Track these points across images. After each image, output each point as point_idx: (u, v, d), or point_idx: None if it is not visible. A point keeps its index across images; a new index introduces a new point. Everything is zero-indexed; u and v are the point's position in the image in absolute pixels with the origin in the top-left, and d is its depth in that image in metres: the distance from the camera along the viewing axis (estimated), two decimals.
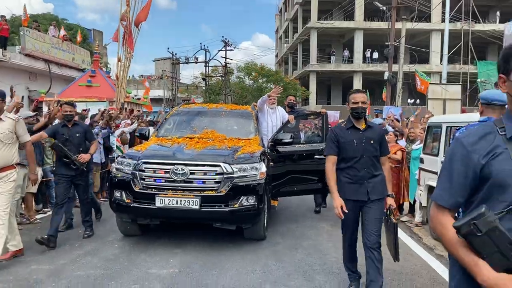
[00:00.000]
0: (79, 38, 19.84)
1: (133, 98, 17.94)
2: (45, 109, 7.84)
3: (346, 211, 3.59)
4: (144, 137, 6.78)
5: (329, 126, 6.95)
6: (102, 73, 17.32)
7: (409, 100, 25.90)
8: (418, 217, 6.76)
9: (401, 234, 5.82)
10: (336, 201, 3.64)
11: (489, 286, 1.39)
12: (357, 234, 3.88)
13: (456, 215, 1.79)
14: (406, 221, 6.94)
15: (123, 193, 5.23)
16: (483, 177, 1.53)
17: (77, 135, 5.66)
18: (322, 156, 6.50)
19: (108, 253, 5.15)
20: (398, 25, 22.23)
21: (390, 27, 22.48)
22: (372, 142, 3.73)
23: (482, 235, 1.39)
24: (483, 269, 1.40)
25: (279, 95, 7.26)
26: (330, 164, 3.80)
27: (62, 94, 15.56)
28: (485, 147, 1.53)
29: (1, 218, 4.45)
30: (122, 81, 11.70)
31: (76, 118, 6.21)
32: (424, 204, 6.39)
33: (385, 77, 22.07)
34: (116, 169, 5.47)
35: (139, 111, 12.85)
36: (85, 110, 9.53)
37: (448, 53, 26.03)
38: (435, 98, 15.15)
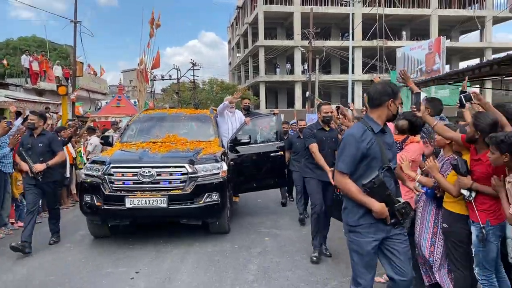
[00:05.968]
0: (101, 72, 25.69)
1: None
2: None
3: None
4: (108, 144, 6.55)
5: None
6: (125, 97, 23.90)
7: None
8: None
9: None
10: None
11: (378, 210, 2.49)
12: (323, 208, 4.51)
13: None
14: None
15: (94, 196, 5.00)
16: (366, 155, 2.53)
17: (39, 144, 5.19)
18: (277, 154, 6.64)
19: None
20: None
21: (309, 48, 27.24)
22: (333, 140, 4.69)
23: (376, 187, 2.48)
24: (375, 203, 2.50)
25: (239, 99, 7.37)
26: (315, 149, 4.55)
27: (102, 111, 20.58)
28: (367, 139, 2.53)
29: None
30: (141, 103, 15.34)
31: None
32: None
33: (307, 95, 26.22)
34: (86, 174, 5.23)
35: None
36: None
37: (368, 64, 33.79)
38: None
